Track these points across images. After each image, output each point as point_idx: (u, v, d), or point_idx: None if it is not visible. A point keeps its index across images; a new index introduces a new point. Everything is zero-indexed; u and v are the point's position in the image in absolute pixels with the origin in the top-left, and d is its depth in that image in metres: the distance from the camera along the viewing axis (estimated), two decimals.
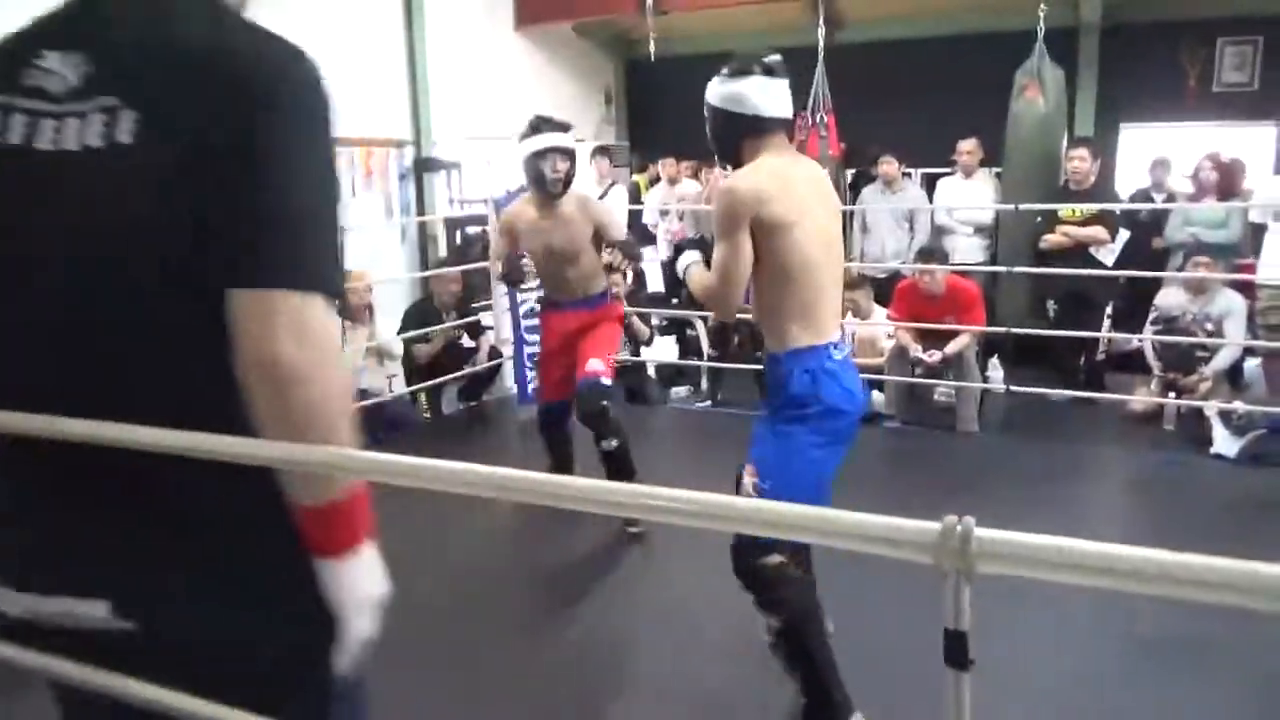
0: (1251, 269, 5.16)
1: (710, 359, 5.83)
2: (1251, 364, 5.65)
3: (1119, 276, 5.52)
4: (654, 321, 6.42)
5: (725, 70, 2.35)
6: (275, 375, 0.96)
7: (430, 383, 5.55)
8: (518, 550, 3.80)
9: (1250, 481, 4.20)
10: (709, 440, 4.90)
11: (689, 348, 6.67)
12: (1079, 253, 5.36)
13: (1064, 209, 5.39)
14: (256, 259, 0.98)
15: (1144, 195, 6.23)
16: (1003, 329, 5.29)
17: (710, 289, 2.35)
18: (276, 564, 1.06)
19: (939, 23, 7.32)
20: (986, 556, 0.79)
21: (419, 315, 5.64)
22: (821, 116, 6.94)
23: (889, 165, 6.33)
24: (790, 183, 2.24)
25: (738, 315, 2.54)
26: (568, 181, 3.61)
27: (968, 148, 6.13)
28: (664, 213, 7.16)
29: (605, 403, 3.51)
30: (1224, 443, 4.50)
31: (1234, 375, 5.42)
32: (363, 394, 5.10)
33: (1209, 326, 5.02)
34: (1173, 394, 5.04)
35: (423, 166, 6.77)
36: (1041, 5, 5.74)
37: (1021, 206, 5.30)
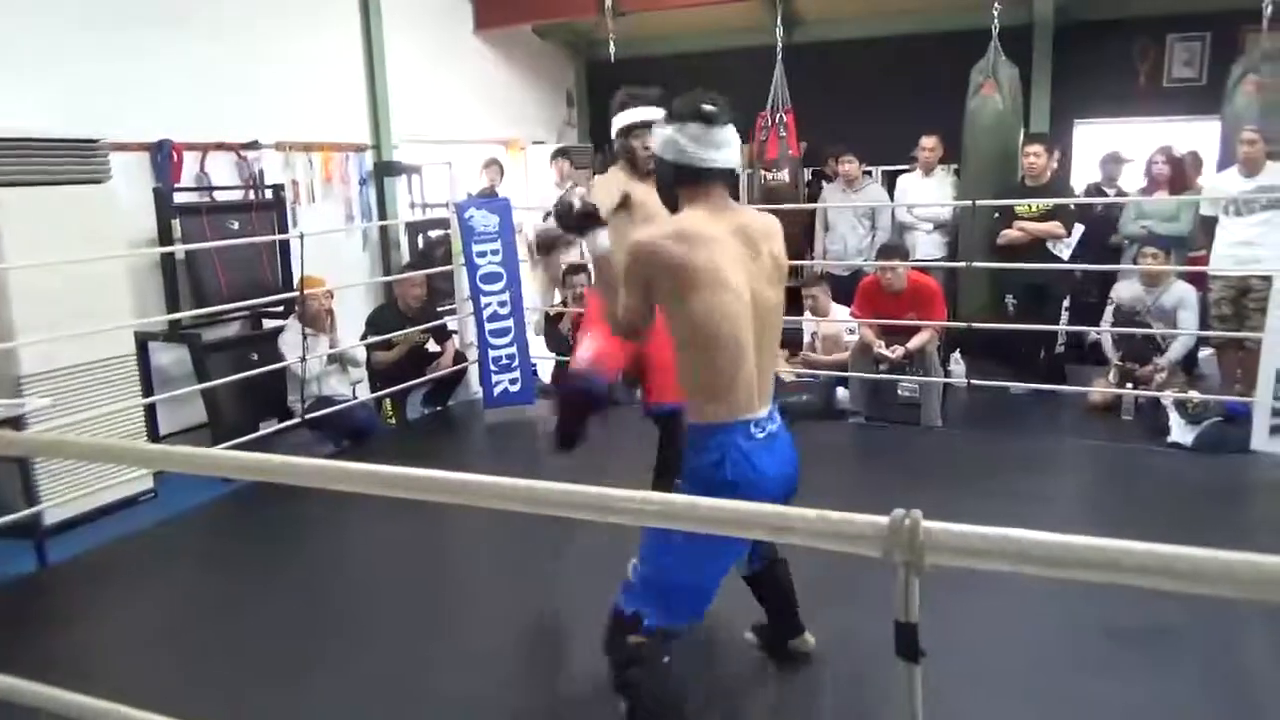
0: (1204, 261, 5.27)
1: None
2: (1205, 354, 5.78)
3: (1075, 270, 5.61)
4: None
5: (666, 114, 2.22)
6: None
7: (394, 389, 5.50)
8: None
9: (1205, 469, 4.30)
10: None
11: None
12: (1036, 247, 5.45)
13: (1021, 205, 5.48)
14: None
15: (1096, 190, 6.33)
16: (964, 324, 5.35)
17: (614, 324, 2.27)
18: None
19: (896, 21, 7.39)
20: (935, 549, 0.81)
21: (382, 320, 5.60)
22: (781, 116, 7.00)
23: (849, 164, 6.39)
24: (709, 243, 2.03)
25: None
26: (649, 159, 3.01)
27: (929, 144, 6.20)
28: None
29: None
30: (1180, 431, 4.59)
31: (1188, 365, 5.53)
32: (326, 401, 5.05)
33: (1163, 318, 5.12)
34: (1130, 385, 5.14)
35: (383, 171, 6.72)
36: (996, 4, 5.82)
37: (979, 203, 5.38)
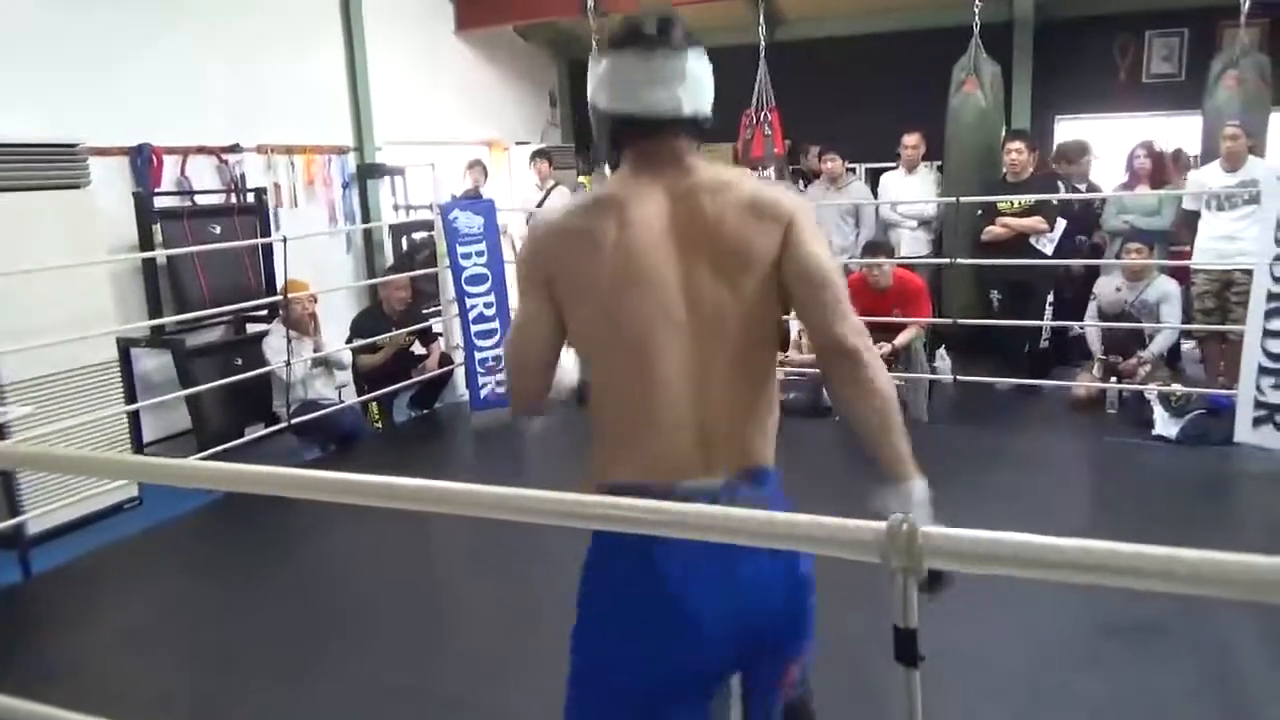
0: (1186, 255, 5.30)
1: None
2: (1188, 347, 5.82)
3: (1059, 265, 5.65)
4: None
5: (600, 44, 1.56)
6: None
7: (380, 392, 5.47)
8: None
9: (1190, 461, 4.34)
10: None
11: None
12: (1019, 243, 5.48)
13: (1003, 201, 5.50)
14: None
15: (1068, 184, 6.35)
16: (949, 320, 5.37)
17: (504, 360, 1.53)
18: None
19: (878, 19, 7.42)
20: (933, 554, 0.81)
21: (367, 323, 5.57)
22: (765, 114, 7.00)
23: (833, 162, 6.40)
24: (623, 229, 1.38)
25: None
26: None
27: (911, 141, 6.21)
28: None
29: None
30: (1164, 424, 4.62)
31: (1171, 359, 5.57)
32: (311, 405, 5.02)
33: (1146, 312, 5.15)
34: (1114, 379, 5.17)
35: (366, 173, 6.69)
36: (976, 1, 5.84)
37: (963, 200, 5.40)
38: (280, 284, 4.99)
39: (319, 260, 6.01)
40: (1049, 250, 5.55)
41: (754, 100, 6.98)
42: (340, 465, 4.64)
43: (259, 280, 5.49)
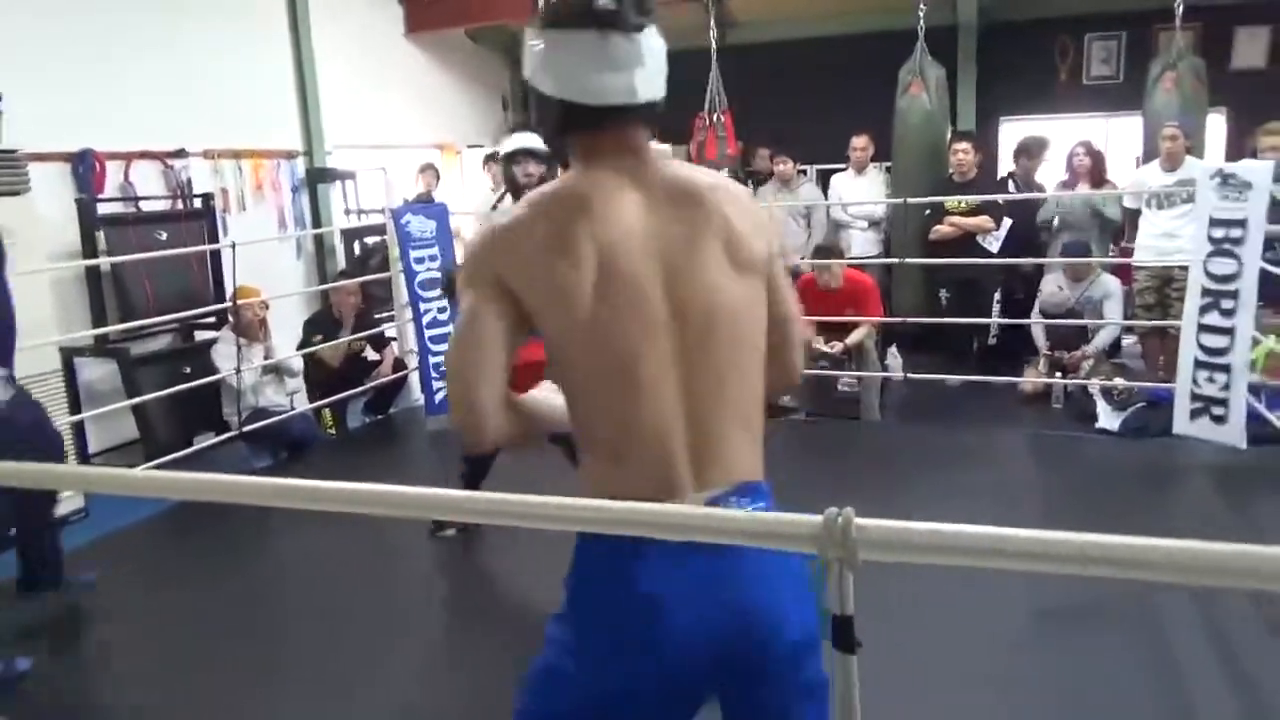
0: (1127, 253, 5.45)
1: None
2: (1129, 342, 5.98)
3: (1005, 263, 5.76)
4: None
5: (537, 20, 1.35)
6: None
7: (334, 398, 5.42)
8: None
9: (1131, 453, 4.47)
10: None
11: None
12: (966, 242, 5.59)
13: (951, 201, 5.61)
14: None
15: (1011, 180, 6.46)
16: (899, 318, 5.46)
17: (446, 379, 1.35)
18: None
19: (825, 23, 7.51)
20: (867, 545, 0.83)
21: (318, 325, 5.52)
22: (719, 116, 7.06)
23: (784, 164, 6.48)
24: (597, 229, 1.26)
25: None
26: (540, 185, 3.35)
27: (860, 144, 6.31)
28: None
29: None
30: (1107, 417, 4.75)
31: (1113, 353, 5.73)
32: (263, 413, 4.96)
33: (1091, 309, 5.29)
34: (1059, 374, 5.30)
35: (316, 177, 6.61)
36: (921, 5, 5.95)
37: (911, 200, 5.50)
38: (230, 290, 4.92)
39: (269, 266, 5.92)
40: (995, 248, 5.67)
41: (707, 103, 7.04)
42: (293, 473, 4.58)
43: (208, 287, 5.41)
